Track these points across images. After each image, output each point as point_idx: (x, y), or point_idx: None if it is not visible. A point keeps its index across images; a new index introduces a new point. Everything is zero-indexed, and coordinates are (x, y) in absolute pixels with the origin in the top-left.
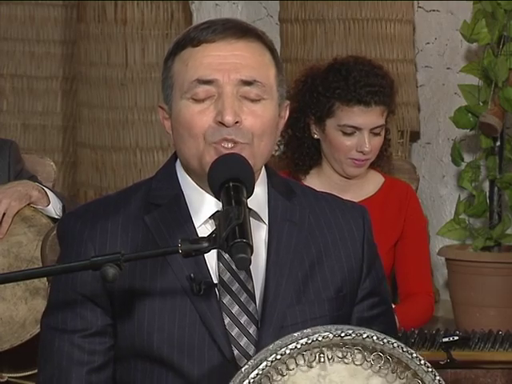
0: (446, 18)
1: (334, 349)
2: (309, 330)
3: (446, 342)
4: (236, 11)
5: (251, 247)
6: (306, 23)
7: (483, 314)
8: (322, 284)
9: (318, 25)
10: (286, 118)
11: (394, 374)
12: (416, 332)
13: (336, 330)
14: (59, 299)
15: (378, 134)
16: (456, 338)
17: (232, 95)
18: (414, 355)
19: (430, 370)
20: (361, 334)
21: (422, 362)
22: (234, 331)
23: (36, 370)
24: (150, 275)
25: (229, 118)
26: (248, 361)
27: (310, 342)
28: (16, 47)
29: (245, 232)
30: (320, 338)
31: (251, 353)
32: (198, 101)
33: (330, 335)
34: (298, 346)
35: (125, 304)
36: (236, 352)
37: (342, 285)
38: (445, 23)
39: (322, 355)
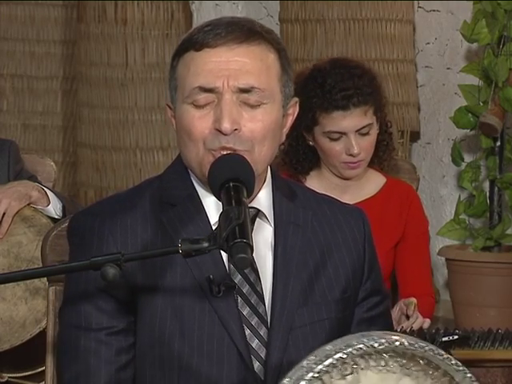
0: (446, 17)
1: (366, 357)
2: (340, 342)
3: (445, 342)
4: (236, 11)
5: (251, 247)
6: (306, 23)
7: (483, 313)
8: (328, 286)
9: (318, 25)
10: (296, 114)
11: (425, 375)
12: (415, 331)
13: (368, 340)
14: (79, 296)
15: (366, 134)
16: (456, 337)
17: (231, 102)
18: (445, 356)
19: (461, 368)
20: (393, 342)
21: (453, 361)
22: (246, 333)
23: (36, 370)
24: (170, 275)
25: (226, 126)
26: (283, 379)
27: (344, 356)
28: (16, 47)
29: (245, 232)
30: (354, 352)
31: (263, 355)
32: (198, 106)
33: (364, 347)
34: (334, 362)
35: (146, 301)
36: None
37: (346, 286)
38: (445, 23)
39: (355, 366)
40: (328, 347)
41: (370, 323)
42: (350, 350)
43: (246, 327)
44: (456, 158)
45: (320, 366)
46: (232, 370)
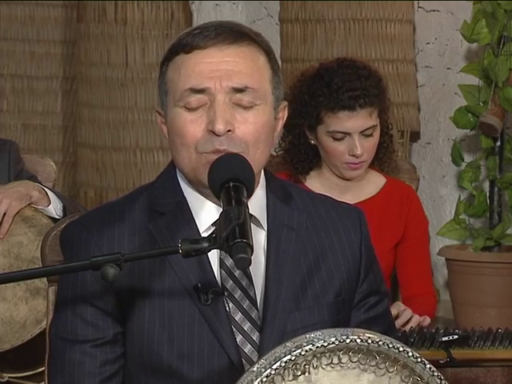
0: (446, 18)
1: (318, 356)
2: (291, 344)
3: (445, 341)
4: (236, 11)
5: (251, 247)
6: (306, 23)
7: (483, 314)
8: (321, 289)
9: (318, 25)
10: (285, 118)
11: (383, 369)
12: (415, 331)
13: (318, 339)
14: (68, 309)
15: (370, 135)
16: (455, 336)
17: (224, 103)
18: (401, 349)
19: (420, 360)
20: (344, 340)
21: (410, 354)
22: (238, 338)
23: (36, 370)
24: (158, 284)
25: (220, 127)
26: None
27: (293, 358)
28: (16, 47)
29: (245, 232)
30: (303, 353)
31: (255, 360)
32: (190, 109)
33: (313, 347)
34: (283, 365)
35: (134, 310)
36: (242, 359)
37: (340, 289)
38: (445, 23)
39: (307, 366)
40: (278, 350)
41: (369, 324)
42: (298, 351)
43: (238, 332)
44: (456, 158)
45: (268, 370)
46: (223, 376)
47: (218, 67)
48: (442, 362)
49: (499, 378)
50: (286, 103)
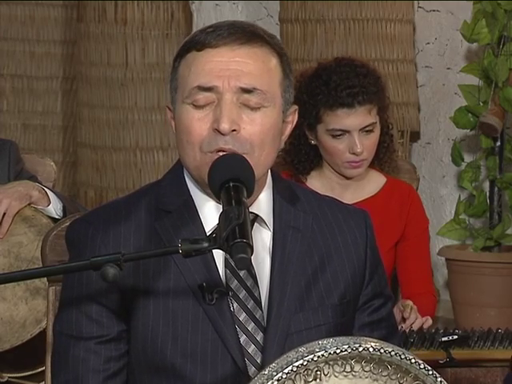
0: (446, 18)
1: (331, 363)
2: (304, 349)
3: (445, 341)
4: (236, 11)
5: (251, 247)
6: (306, 23)
7: (483, 314)
8: (325, 291)
9: (318, 25)
10: (295, 122)
11: (395, 380)
12: (415, 331)
13: (331, 346)
14: (73, 306)
15: (370, 132)
16: (455, 336)
17: (231, 102)
18: (413, 361)
19: (431, 372)
20: (356, 348)
21: (422, 366)
22: (242, 338)
23: (36, 370)
24: (163, 282)
25: (225, 126)
26: None
27: (305, 363)
28: (16, 47)
29: (245, 232)
30: (316, 358)
31: (259, 360)
32: (198, 107)
33: (326, 353)
34: (294, 369)
35: (138, 309)
36: (245, 360)
37: (345, 291)
38: (445, 23)
39: (318, 372)
40: (291, 354)
41: (372, 327)
42: (311, 356)
43: (242, 333)
44: (456, 158)
45: (279, 374)
46: (226, 376)
47: (227, 66)
48: (441, 362)
49: (499, 378)
50: (296, 107)
